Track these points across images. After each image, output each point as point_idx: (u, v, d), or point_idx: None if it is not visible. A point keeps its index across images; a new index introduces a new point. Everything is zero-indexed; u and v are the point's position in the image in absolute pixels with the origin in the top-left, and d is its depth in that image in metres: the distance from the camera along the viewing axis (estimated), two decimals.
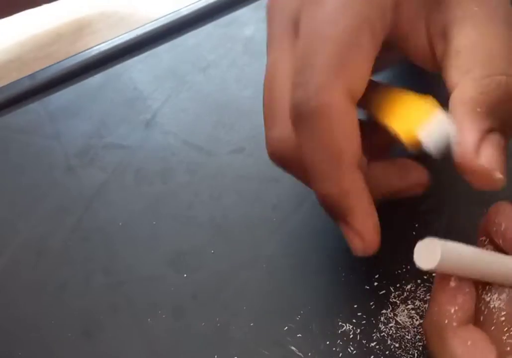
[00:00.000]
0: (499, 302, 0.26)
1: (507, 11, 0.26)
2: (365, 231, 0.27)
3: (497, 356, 0.24)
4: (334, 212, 0.28)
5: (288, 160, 0.29)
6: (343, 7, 0.26)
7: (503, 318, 0.25)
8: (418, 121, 0.25)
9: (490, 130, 0.24)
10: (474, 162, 0.23)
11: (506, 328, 0.25)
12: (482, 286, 0.27)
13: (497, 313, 0.25)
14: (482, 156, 0.23)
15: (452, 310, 0.25)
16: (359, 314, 0.32)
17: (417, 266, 0.24)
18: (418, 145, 0.25)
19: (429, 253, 0.24)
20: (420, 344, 0.31)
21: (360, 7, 0.26)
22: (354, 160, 0.26)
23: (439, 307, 0.26)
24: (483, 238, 0.28)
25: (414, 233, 0.28)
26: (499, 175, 0.23)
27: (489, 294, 0.26)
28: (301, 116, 0.26)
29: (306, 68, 0.26)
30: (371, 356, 0.31)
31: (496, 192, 0.34)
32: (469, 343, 0.24)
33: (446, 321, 0.25)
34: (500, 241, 0.27)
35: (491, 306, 0.26)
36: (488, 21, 0.26)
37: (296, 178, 0.30)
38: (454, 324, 0.25)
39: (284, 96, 0.27)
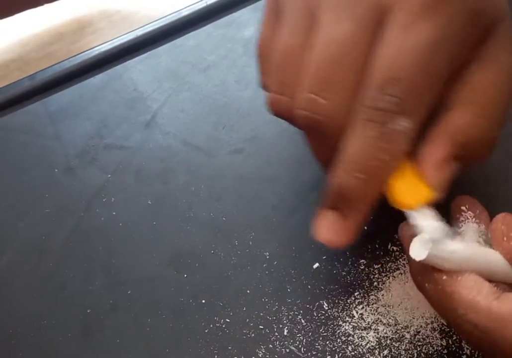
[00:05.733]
0: None
1: None
2: (355, 229, 0.27)
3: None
4: (339, 194, 0.27)
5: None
6: None
7: None
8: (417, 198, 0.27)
9: (456, 157, 0.26)
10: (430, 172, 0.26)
11: None
12: None
13: None
14: (440, 172, 0.26)
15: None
16: (358, 314, 0.32)
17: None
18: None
19: (422, 246, 0.26)
20: (420, 343, 0.31)
21: None
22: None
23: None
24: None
25: None
26: (436, 194, 0.26)
27: None
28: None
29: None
30: (371, 356, 0.31)
31: (496, 191, 0.34)
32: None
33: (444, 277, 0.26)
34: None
35: None
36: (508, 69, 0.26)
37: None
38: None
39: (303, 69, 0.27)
